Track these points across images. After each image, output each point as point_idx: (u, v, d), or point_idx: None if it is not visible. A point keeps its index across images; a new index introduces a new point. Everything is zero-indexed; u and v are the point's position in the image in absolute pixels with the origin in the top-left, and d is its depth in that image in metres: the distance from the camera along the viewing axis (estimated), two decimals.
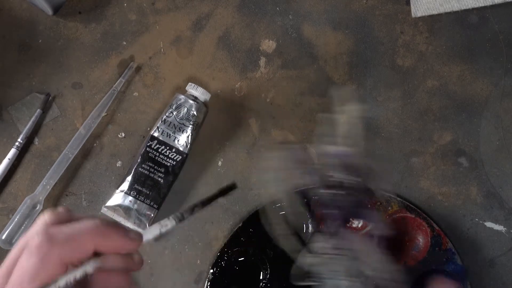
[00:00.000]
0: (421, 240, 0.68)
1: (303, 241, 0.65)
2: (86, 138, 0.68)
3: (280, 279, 0.67)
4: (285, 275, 0.66)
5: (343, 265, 0.53)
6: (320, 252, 0.54)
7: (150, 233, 0.44)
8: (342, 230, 0.55)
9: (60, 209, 0.42)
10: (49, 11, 0.70)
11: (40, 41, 0.71)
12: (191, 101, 0.67)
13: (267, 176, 0.55)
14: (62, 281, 0.37)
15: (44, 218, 0.40)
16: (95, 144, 0.70)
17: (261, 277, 0.67)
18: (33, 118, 0.68)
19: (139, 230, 0.44)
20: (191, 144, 0.67)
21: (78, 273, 0.37)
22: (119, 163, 0.70)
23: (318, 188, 0.55)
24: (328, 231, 0.55)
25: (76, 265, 0.38)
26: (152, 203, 0.66)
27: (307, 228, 0.67)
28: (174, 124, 0.67)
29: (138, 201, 0.66)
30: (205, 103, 0.68)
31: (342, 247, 0.54)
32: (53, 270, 0.37)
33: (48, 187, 0.67)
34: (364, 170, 0.54)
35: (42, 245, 0.37)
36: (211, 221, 0.69)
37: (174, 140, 0.67)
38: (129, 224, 0.66)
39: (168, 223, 0.45)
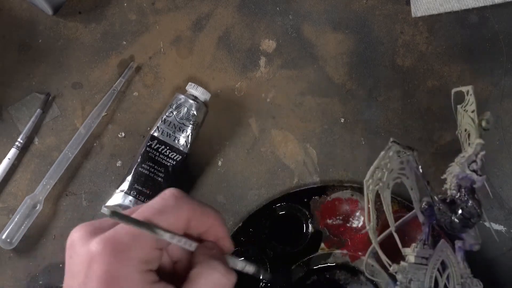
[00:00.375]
0: None
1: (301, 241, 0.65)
2: (86, 138, 0.68)
3: (280, 280, 0.67)
4: (285, 275, 0.67)
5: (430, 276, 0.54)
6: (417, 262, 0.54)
7: (236, 262, 0.43)
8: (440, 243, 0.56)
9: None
10: (49, 11, 0.70)
11: (40, 41, 0.71)
12: (191, 101, 0.67)
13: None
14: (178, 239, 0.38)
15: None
16: (95, 144, 0.70)
17: (261, 277, 0.67)
18: (33, 118, 0.68)
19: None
20: (191, 144, 0.67)
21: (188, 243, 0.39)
22: (119, 163, 0.70)
23: (435, 201, 0.56)
24: (426, 242, 0.56)
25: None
26: None
27: (307, 228, 0.67)
28: (174, 124, 0.67)
29: (138, 201, 0.66)
30: (205, 103, 0.68)
31: (436, 258, 0.56)
32: (180, 225, 0.39)
33: (48, 187, 0.67)
34: (481, 200, 0.55)
35: (177, 196, 0.39)
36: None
37: (174, 140, 0.67)
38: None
39: (251, 269, 0.45)
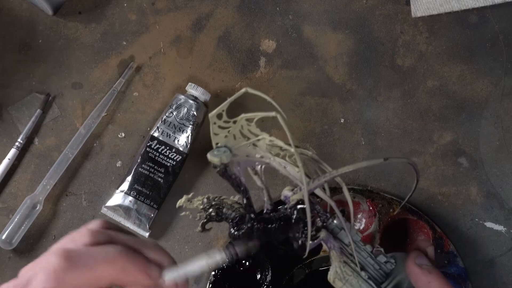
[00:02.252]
0: None
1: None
2: (86, 138, 0.68)
3: (281, 281, 0.67)
4: (287, 278, 0.67)
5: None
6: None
7: (196, 264, 0.42)
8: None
9: (100, 223, 0.42)
10: (49, 11, 0.70)
11: (40, 41, 0.71)
12: (191, 101, 0.67)
13: None
14: None
15: (83, 231, 0.40)
16: (95, 144, 0.70)
17: (262, 280, 0.67)
18: (33, 118, 0.68)
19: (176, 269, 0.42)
20: (191, 144, 0.67)
21: None
22: (119, 163, 0.70)
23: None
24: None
25: None
26: (152, 203, 0.66)
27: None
28: (174, 124, 0.67)
29: (138, 201, 0.66)
30: (205, 103, 0.68)
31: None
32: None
33: (48, 187, 0.67)
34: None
35: (59, 270, 0.37)
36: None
37: (174, 140, 0.67)
38: (129, 224, 0.66)
39: (217, 257, 0.42)
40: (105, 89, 0.70)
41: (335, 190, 0.68)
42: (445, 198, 0.70)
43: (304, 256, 0.46)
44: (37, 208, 0.66)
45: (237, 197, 0.47)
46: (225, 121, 0.46)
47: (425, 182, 0.70)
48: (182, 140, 0.67)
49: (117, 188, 0.67)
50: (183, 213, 0.46)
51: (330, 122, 0.71)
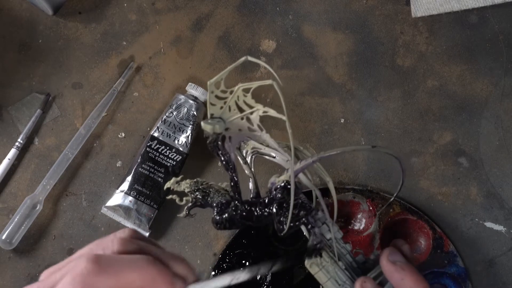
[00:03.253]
0: (423, 242, 0.68)
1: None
2: (86, 138, 0.68)
3: (282, 282, 0.67)
4: (287, 278, 0.67)
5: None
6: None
7: (219, 282, 0.42)
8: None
9: (129, 231, 0.43)
10: (49, 11, 0.70)
11: (40, 41, 0.71)
12: (191, 101, 0.67)
13: None
14: None
15: (114, 239, 0.41)
16: (95, 144, 0.70)
17: (262, 280, 0.67)
18: (33, 118, 0.68)
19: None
20: (191, 144, 0.67)
21: None
22: (119, 163, 0.70)
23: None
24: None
25: None
26: (152, 203, 0.66)
27: None
28: (174, 124, 0.67)
29: (138, 201, 0.66)
30: (205, 103, 0.68)
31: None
32: None
33: (48, 187, 0.67)
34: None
35: (87, 274, 0.37)
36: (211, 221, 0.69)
37: (174, 140, 0.67)
38: (129, 224, 0.66)
39: (241, 276, 0.43)
40: (105, 89, 0.70)
41: (335, 190, 0.68)
42: (445, 198, 0.70)
43: (282, 234, 0.46)
44: (37, 208, 0.66)
45: (224, 184, 0.48)
46: (222, 91, 0.47)
47: (425, 182, 0.70)
48: (182, 140, 0.67)
49: (117, 188, 0.67)
50: (170, 197, 0.47)
51: (330, 122, 0.71)
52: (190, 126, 0.67)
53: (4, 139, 0.69)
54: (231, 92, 0.47)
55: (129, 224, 0.66)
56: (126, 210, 0.66)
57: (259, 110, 0.47)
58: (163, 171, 0.66)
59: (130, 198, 0.66)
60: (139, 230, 0.66)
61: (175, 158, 0.67)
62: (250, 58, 0.44)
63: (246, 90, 0.47)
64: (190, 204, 0.47)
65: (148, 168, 0.66)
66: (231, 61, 0.72)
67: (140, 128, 0.70)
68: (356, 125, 0.71)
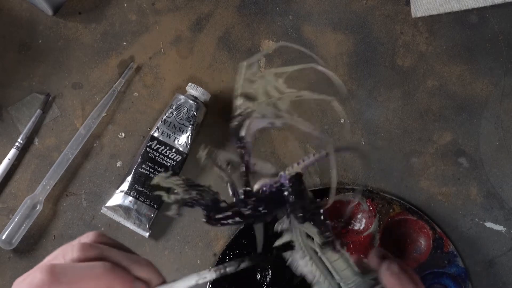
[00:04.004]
0: (423, 242, 0.68)
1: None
2: (86, 138, 0.68)
3: (282, 282, 0.66)
4: (287, 278, 0.66)
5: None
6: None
7: (185, 282, 0.42)
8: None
9: (93, 235, 0.43)
10: (49, 11, 0.70)
11: (40, 41, 0.71)
12: (191, 101, 0.67)
13: None
14: None
15: (74, 246, 0.40)
16: (95, 144, 0.70)
17: (262, 280, 0.67)
18: (33, 118, 0.68)
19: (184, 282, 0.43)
20: (191, 144, 0.67)
21: None
22: (119, 163, 0.70)
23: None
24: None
25: None
26: (152, 203, 0.66)
27: None
28: (174, 124, 0.67)
29: (138, 201, 0.66)
30: (205, 103, 0.68)
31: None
32: None
33: (48, 187, 0.67)
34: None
35: (42, 285, 0.37)
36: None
37: (174, 140, 0.67)
38: (129, 224, 0.66)
39: (207, 276, 0.43)
40: (105, 89, 0.70)
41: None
42: (445, 198, 0.70)
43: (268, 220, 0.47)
44: (37, 208, 0.66)
45: (208, 184, 0.48)
46: (252, 74, 0.46)
47: (425, 182, 0.70)
48: (182, 140, 0.67)
49: (117, 188, 0.67)
50: (157, 192, 0.46)
51: (330, 122, 0.71)
52: (190, 126, 0.67)
53: (4, 139, 0.69)
54: (261, 77, 0.46)
55: (129, 224, 0.66)
56: (126, 210, 0.66)
57: (293, 94, 0.47)
58: (163, 171, 0.66)
59: (130, 198, 0.66)
60: (139, 230, 0.66)
61: (175, 158, 0.67)
62: (283, 43, 0.45)
63: (279, 75, 0.47)
64: (179, 202, 0.47)
65: (148, 168, 0.66)
66: (231, 61, 0.72)
67: (140, 128, 0.70)
68: (356, 125, 0.71)
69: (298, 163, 0.49)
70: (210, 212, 0.46)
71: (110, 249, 0.42)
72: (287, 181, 0.48)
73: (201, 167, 0.46)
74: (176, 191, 0.46)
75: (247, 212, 0.46)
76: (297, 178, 0.48)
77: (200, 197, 0.46)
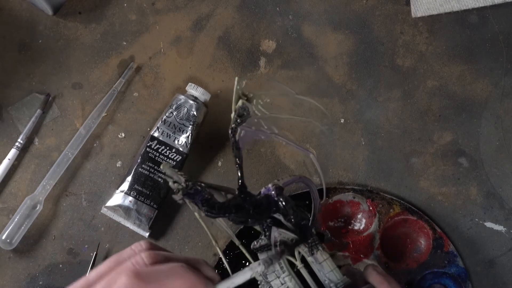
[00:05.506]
0: (423, 242, 0.68)
1: None
2: (86, 138, 0.68)
3: None
4: None
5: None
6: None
7: (241, 277, 0.45)
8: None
9: (146, 244, 0.44)
10: (49, 11, 0.70)
11: (40, 41, 0.71)
12: (191, 101, 0.67)
13: None
14: None
15: (140, 257, 0.42)
16: (95, 144, 0.70)
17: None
18: (33, 118, 0.68)
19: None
20: (191, 144, 0.67)
21: None
22: (119, 163, 0.70)
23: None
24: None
25: None
26: (152, 204, 0.66)
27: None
28: (174, 124, 0.67)
29: (138, 202, 0.66)
30: (205, 103, 0.68)
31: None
32: None
33: (48, 187, 0.67)
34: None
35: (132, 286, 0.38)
36: (211, 222, 0.69)
37: (174, 140, 0.67)
38: (128, 224, 0.66)
39: (258, 269, 0.46)
40: (105, 89, 0.70)
41: (335, 190, 0.68)
42: (445, 198, 0.70)
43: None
44: (37, 208, 0.66)
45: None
46: (244, 91, 0.53)
47: (425, 182, 0.70)
48: (182, 140, 0.67)
49: (117, 188, 0.67)
50: (164, 177, 0.49)
51: (330, 122, 0.71)
52: (190, 126, 0.67)
53: (4, 139, 0.69)
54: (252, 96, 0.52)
55: (129, 224, 0.66)
56: (126, 210, 0.66)
57: (275, 116, 0.52)
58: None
59: (130, 198, 0.66)
60: (139, 230, 0.66)
61: (175, 158, 0.67)
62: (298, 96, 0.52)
63: (263, 98, 0.52)
64: (183, 190, 0.49)
65: (148, 168, 0.66)
66: (231, 61, 0.72)
67: (140, 128, 0.70)
68: (356, 125, 0.71)
69: (278, 180, 0.55)
70: (206, 207, 0.49)
71: (170, 253, 0.45)
72: (273, 192, 0.53)
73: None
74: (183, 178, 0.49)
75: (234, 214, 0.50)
76: (281, 190, 0.53)
77: (205, 190, 0.49)
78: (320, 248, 0.54)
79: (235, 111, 0.52)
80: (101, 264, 0.43)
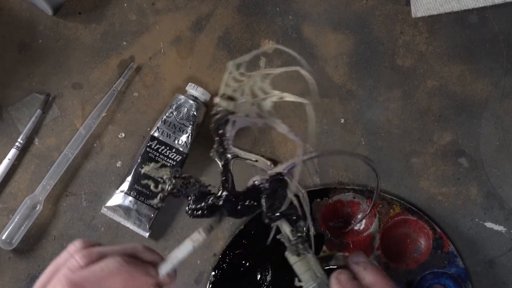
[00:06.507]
0: (423, 242, 0.68)
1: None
2: (86, 138, 0.68)
3: (282, 283, 0.66)
4: (287, 278, 0.66)
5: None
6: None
7: (181, 252, 0.44)
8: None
9: (80, 243, 0.43)
10: (49, 11, 0.70)
11: (40, 41, 0.71)
12: (191, 101, 0.67)
13: None
14: None
15: (71, 262, 0.41)
16: (95, 144, 0.70)
17: (262, 280, 0.67)
18: (33, 118, 0.68)
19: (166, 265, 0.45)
20: (191, 144, 0.67)
21: None
22: (119, 163, 0.70)
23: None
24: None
25: None
26: (152, 204, 0.66)
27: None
28: (174, 124, 0.67)
29: (138, 202, 0.66)
30: (205, 103, 0.68)
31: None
32: None
33: (48, 187, 0.67)
34: None
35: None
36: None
37: (174, 140, 0.67)
38: (128, 225, 0.66)
39: (199, 237, 0.45)
40: (105, 89, 0.70)
41: (335, 190, 0.68)
42: (445, 198, 0.70)
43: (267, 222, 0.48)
44: (37, 208, 0.66)
45: (212, 182, 0.50)
46: (241, 73, 0.47)
47: (425, 182, 0.70)
48: (182, 140, 0.67)
49: (117, 188, 0.67)
50: (145, 181, 0.48)
51: (330, 122, 0.71)
52: (190, 126, 0.67)
53: (4, 139, 0.69)
54: (249, 76, 0.47)
55: (129, 225, 0.66)
56: (126, 210, 0.66)
57: (275, 96, 0.48)
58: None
59: (130, 198, 0.66)
60: (139, 230, 0.66)
61: (175, 158, 0.67)
62: (279, 46, 0.47)
63: (265, 76, 0.48)
64: (166, 191, 0.48)
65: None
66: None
67: (140, 128, 0.70)
68: (356, 125, 0.71)
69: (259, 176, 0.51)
70: (197, 202, 0.48)
71: (105, 247, 0.43)
72: (262, 182, 0.50)
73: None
74: (166, 178, 0.47)
75: (221, 203, 0.48)
76: (277, 177, 0.50)
77: (185, 187, 0.47)
78: (292, 252, 0.51)
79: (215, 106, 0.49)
80: (42, 274, 0.42)
